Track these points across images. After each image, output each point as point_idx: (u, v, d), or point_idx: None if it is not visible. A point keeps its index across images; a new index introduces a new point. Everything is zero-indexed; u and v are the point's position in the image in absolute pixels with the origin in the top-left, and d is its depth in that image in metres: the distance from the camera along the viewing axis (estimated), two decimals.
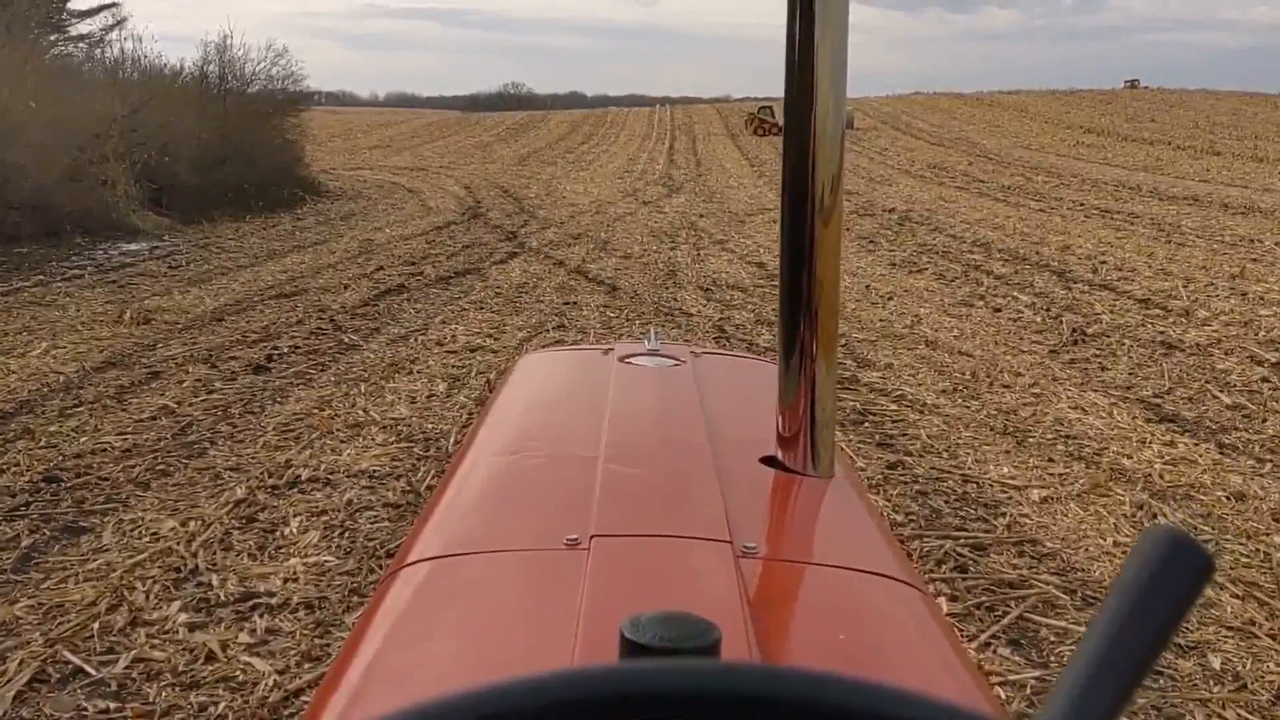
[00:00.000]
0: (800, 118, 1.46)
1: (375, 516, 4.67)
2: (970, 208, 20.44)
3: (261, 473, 5.23)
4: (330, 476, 5.18)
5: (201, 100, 20.95)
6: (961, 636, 3.77)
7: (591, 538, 1.20)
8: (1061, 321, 9.36)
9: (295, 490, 5.01)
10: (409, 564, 1.28)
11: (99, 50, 21.65)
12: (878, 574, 1.27)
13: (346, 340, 8.49)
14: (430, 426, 6.03)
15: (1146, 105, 55.39)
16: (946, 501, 5.00)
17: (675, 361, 2.12)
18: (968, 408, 6.64)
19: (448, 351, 8.08)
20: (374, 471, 5.25)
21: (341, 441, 5.77)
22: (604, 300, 10.50)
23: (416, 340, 8.49)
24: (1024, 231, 16.64)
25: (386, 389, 6.90)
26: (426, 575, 1.25)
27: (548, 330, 8.96)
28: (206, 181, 18.84)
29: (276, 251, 14.38)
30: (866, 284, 11.56)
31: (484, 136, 50.16)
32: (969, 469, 5.47)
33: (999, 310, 10.04)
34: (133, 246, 14.81)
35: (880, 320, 9.51)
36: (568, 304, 10.24)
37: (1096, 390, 7.10)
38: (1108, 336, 8.81)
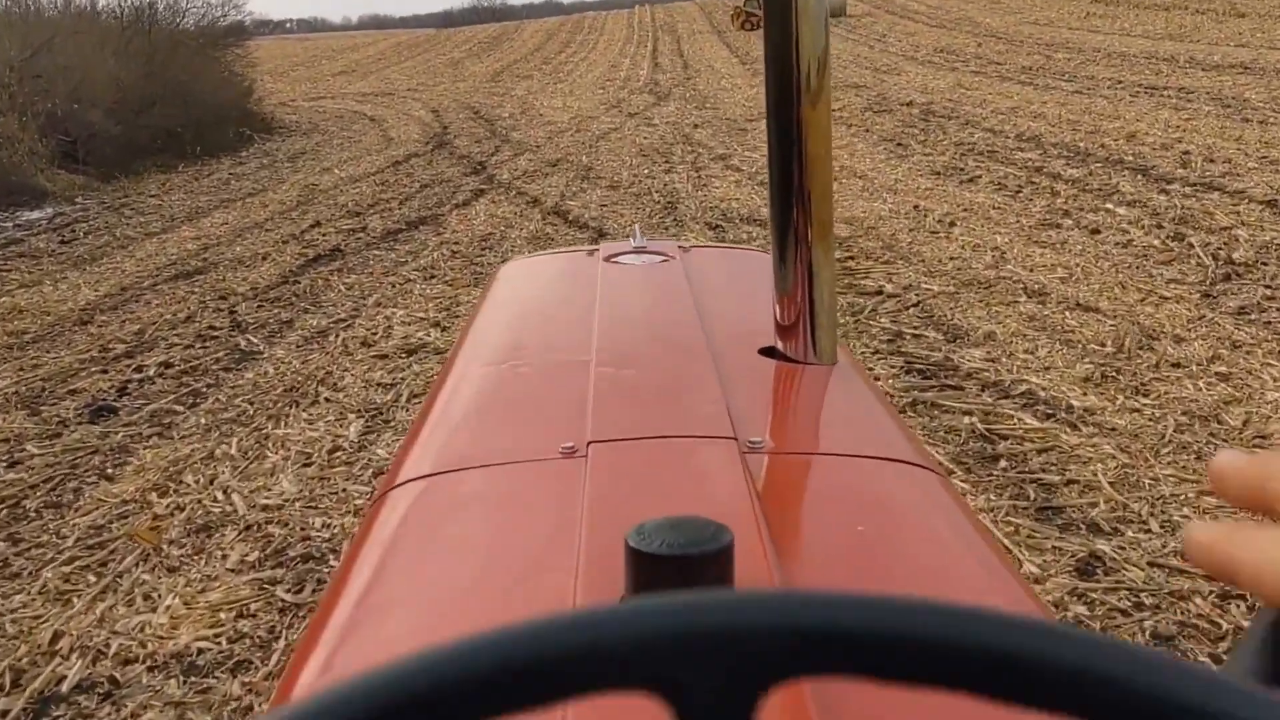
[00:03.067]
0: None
1: None
2: (997, 95, 17.88)
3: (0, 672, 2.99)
4: (119, 674, 2.93)
5: (124, 36, 18.27)
6: None
7: (589, 444, 1.13)
8: (1191, 245, 7.01)
9: None
10: (400, 484, 1.19)
11: None
12: (890, 459, 1.19)
13: (243, 346, 6.18)
14: (319, 525, 3.75)
15: None
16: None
17: (664, 258, 1.99)
18: (1139, 411, 4.36)
19: (375, 355, 5.78)
20: (198, 656, 3.00)
21: (169, 570, 3.50)
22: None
23: (337, 339, 6.18)
24: (1071, 119, 14.16)
25: (271, 440, 4.61)
26: (419, 494, 1.17)
27: None
28: (131, 129, 16.29)
29: (200, 209, 11.97)
30: (914, 203, 9.19)
31: (455, 53, 46.83)
32: None
33: (1097, 232, 7.67)
34: (34, 215, 12.38)
35: (951, 259, 7.17)
36: None
37: None
38: (1264, 265, 6.48)
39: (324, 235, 9.63)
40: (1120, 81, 18.53)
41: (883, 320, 5.83)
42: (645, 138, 15.92)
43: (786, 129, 1.37)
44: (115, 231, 10.79)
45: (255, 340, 6.27)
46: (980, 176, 10.33)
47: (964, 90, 19.01)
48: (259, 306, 7.09)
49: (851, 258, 7.44)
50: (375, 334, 6.22)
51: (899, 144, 13.20)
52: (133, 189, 13.91)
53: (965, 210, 8.77)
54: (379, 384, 5.28)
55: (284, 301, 7.22)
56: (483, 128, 19.11)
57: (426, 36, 64.80)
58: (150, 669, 2.93)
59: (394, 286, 7.44)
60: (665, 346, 1.52)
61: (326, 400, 5.08)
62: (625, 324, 1.62)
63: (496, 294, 2.03)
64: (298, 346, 6.11)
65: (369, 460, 4.30)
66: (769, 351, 1.48)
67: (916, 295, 6.29)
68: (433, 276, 7.68)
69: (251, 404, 5.12)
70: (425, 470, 1.21)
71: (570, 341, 1.55)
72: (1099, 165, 10.45)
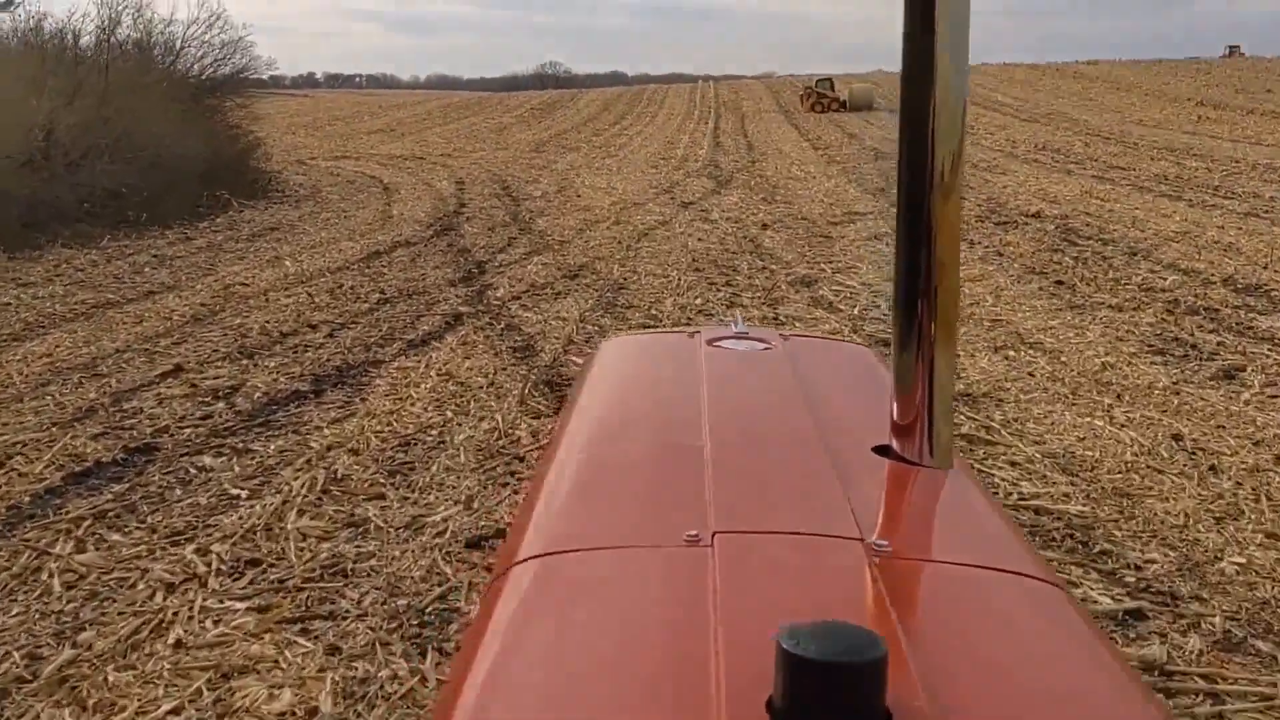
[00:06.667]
0: (919, 89, 1.27)
1: None
2: (1147, 211, 13.76)
3: None
4: None
5: (75, 73, 14.67)
6: None
7: (714, 535, 1.08)
8: None
9: None
10: (521, 561, 1.12)
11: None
12: (1018, 573, 1.12)
13: None
14: None
15: (1250, 75, 47.47)
16: None
17: (765, 345, 1.92)
18: None
19: None
20: None
21: None
22: None
23: None
24: None
25: None
26: (542, 574, 1.10)
27: None
28: (53, 187, 12.60)
29: (46, 320, 8.03)
30: (1171, 428, 5.05)
31: (504, 118, 43.23)
32: None
33: None
34: None
35: None
36: (477, 556, 3.83)
37: None
38: None
39: (160, 404, 5.67)
40: None
41: None
42: (700, 239, 11.97)
43: (916, 224, 1.29)
44: None
45: None
46: (1243, 369, 6.19)
47: (1099, 201, 14.92)
48: None
49: (1145, 618, 3.32)
50: None
51: (1058, 281, 9.10)
52: (9, 273, 10.10)
53: None
54: None
55: None
56: (505, 208, 15.28)
57: (478, 99, 61.61)
58: None
59: (148, 592, 3.43)
60: (779, 437, 1.46)
61: None
62: (735, 411, 1.56)
63: (598, 372, 1.94)
64: None
65: None
66: (882, 450, 1.39)
67: None
68: (255, 562, 3.66)
69: None
70: (545, 549, 1.15)
71: (680, 425, 1.47)
72: None
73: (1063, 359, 6.46)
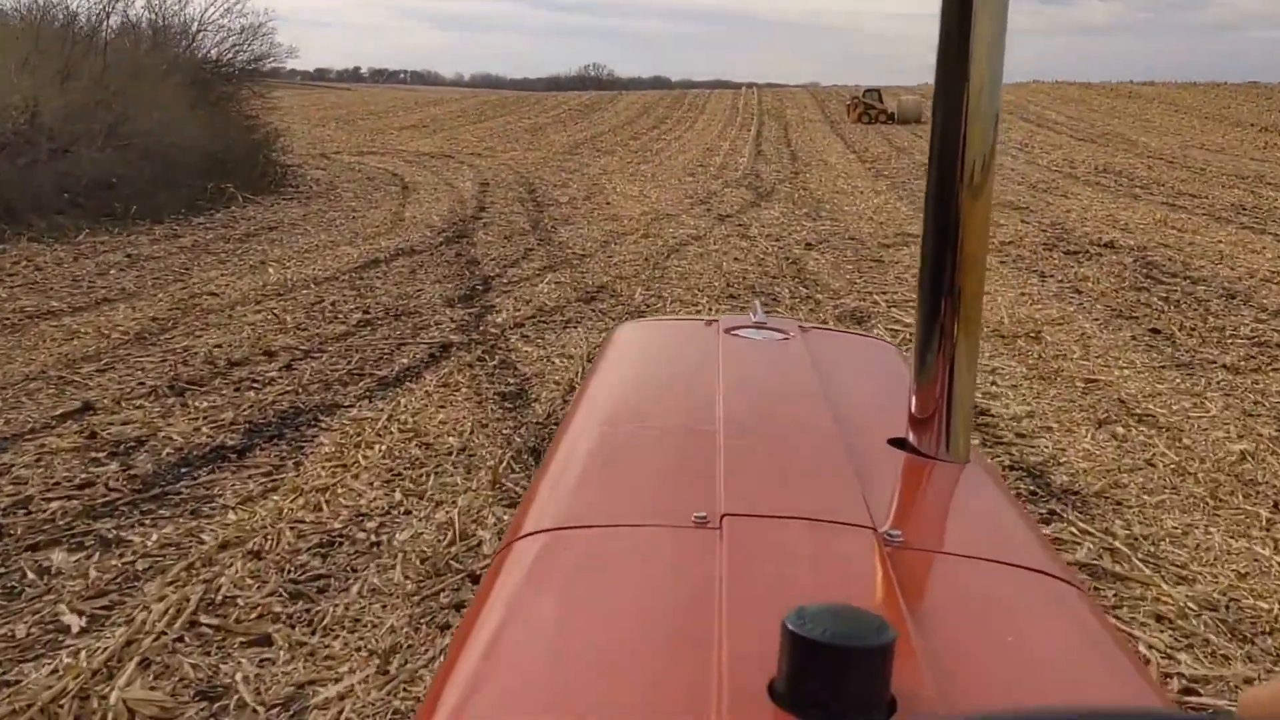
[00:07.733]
0: (953, 94, 1.27)
1: None
2: (1234, 246, 12.26)
3: None
4: None
5: (73, 50, 13.55)
6: None
7: (722, 517, 1.06)
8: None
9: None
10: (525, 535, 1.10)
11: None
12: (1033, 569, 1.09)
13: None
14: None
15: None
16: None
17: (784, 335, 1.86)
18: None
19: None
20: None
21: None
22: None
23: None
24: None
25: None
26: (549, 548, 1.07)
27: None
28: (33, 175, 11.46)
29: None
30: None
31: (540, 118, 41.92)
32: None
33: None
34: None
35: None
36: None
37: None
38: None
39: (38, 461, 4.41)
40: None
41: None
42: (736, 259, 10.64)
43: (944, 222, 1.29)
44: None
45: None
46: None
47: (1176, 232, 13.43)
48: None
49: None
50: None
51: (1153, 329, 7.69)
52: None
53: None
54: None
55: None
56: (527, 215, 14.02)
57: (516, 98, 60.43)
58: None
59: None
60: (793, 425, 1.41)
61: None
62: (750, 398, 1.51)
63: (613, 355, 1.87)
64: None
65: None
66: (898, 443, 1.36)
67: None
68: None
69: None
70: (553, 524, 1.13)
71: (694, 409, 1.44)
72: None
73: (1185, 441, 5.09)
